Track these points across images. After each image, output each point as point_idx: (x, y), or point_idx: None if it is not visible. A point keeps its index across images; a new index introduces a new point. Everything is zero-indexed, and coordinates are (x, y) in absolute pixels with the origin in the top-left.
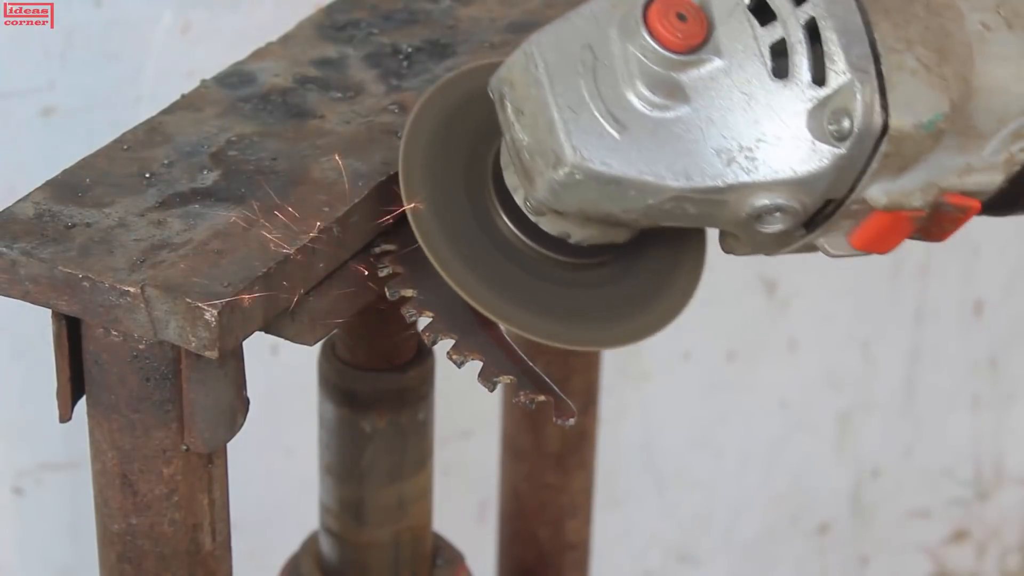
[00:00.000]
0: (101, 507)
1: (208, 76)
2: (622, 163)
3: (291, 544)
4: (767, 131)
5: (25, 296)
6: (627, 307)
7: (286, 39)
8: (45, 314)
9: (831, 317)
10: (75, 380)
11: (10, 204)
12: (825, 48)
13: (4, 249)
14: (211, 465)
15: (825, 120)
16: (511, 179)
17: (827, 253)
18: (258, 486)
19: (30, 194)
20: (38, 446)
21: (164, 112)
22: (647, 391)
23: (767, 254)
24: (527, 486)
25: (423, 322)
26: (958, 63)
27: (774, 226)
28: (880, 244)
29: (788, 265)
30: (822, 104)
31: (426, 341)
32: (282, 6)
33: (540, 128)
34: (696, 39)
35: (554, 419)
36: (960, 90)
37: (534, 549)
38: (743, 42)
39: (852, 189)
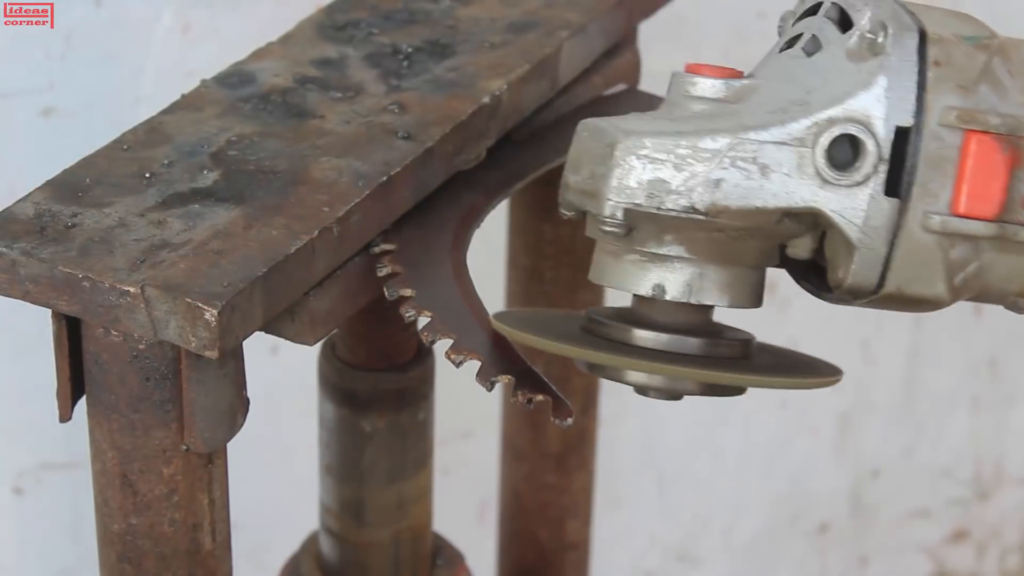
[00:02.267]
0: (101, 507)
1: (208, 76)
2: (671, 127)
3: (291, 544)
4: (813, 83)
5: (25, 296)
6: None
7: (286, 39)
8: (45, 314)
9: (831, 317)
10: (75, 380)
11: (10, 204)
12: (849, 14)
13: (4, 249)
14: (211, 465)
15: (864, 41)
16: (592, 229)
17: (937, 229)
18: (258, 486)
19: (30, 194)
20: (38, 446)
21: (164, 112)
22: None
23: (882, 269)
24: (527, 486)
25: (422, 322)
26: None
27: (856, 171)
28: (982, 193)
29: None
30: (857, 39)
31: (424, 340)
32: (282, 6)
33: (595, 148)
34: (736, 74)
35: (552, 419)
36: (1005, 46)
37: (534, 549)
38: (773, 58)
39: (918, 112)
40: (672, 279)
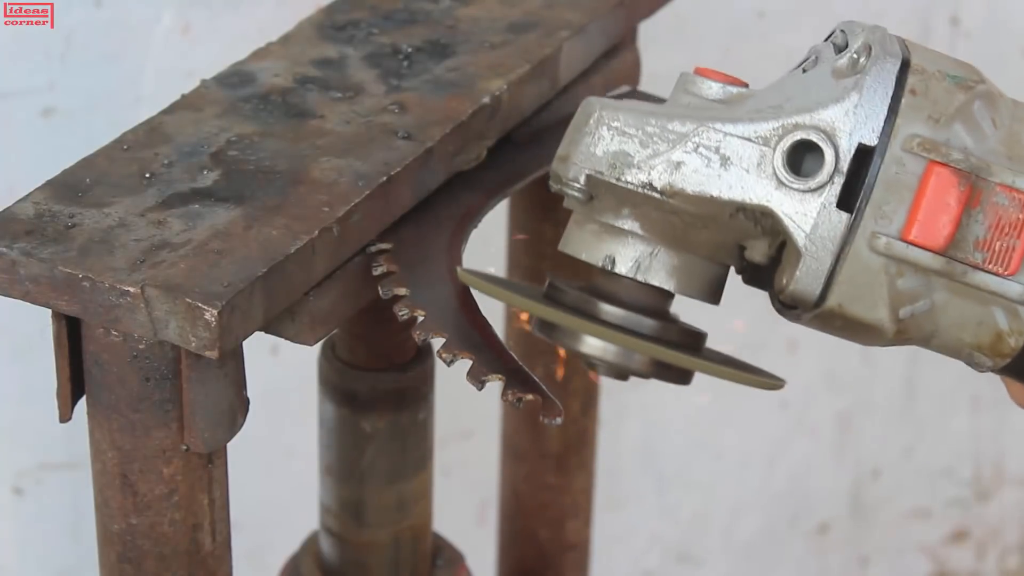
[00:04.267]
0: (101, 507)
1: (208, 76)
2: (644, 107)
3: (291, 544)
4: (795, 92)
5: (25, 296)
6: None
7: (286, 39)
8: (45, 314)
9: None
10: (75, 380)
11: (10, 204)
12: (848, 38)
13: (4, 249)
14: (211, 465)
15: (849, 60)
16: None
17: (886, 252)
18: (258, 486)
19: (30, 194)
20: (38, 446)
21: (164, 112)
22: (647, 391)
23: (826, 281)
24: (527, 486)
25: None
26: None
27: (812, 179)
28: (931, 224)
29: None
30: (845, 60)
31: (416, 339)
32: (282, 6)
33: (580, 119)
34: (740, 83)
35: (541, 418)
36: (992, 94)
37: (534, 549)
38: (781, 76)
39: (884, 134)
40: (624, 253)
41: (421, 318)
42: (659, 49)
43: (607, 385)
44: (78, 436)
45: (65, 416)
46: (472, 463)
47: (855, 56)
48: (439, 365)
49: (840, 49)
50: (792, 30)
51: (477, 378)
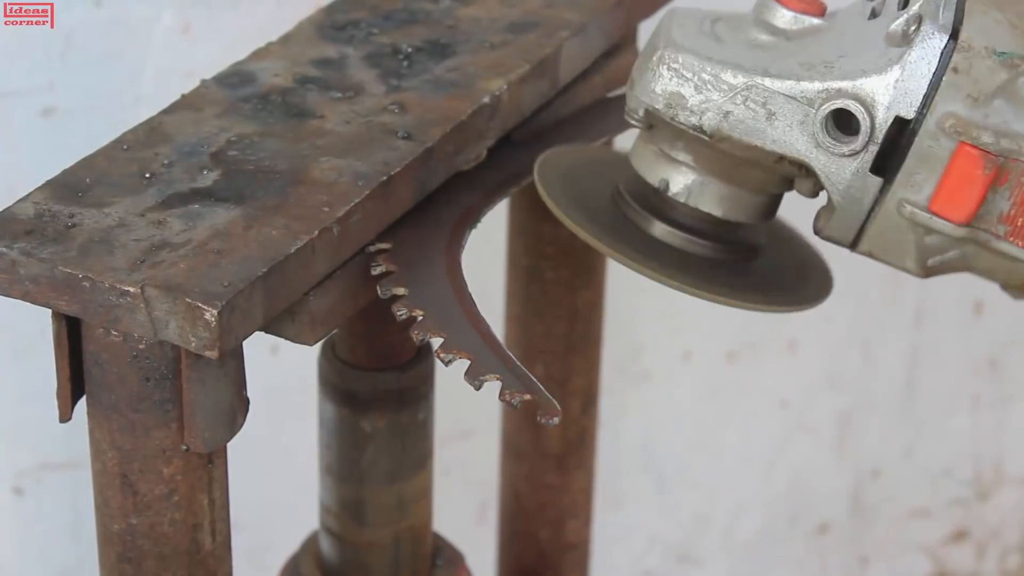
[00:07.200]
0: (101, 507)
1: (208, 76)
2: (707, 49)
3: (291, 544)
4: (848, 48)
5: (25, 296)
6: (775, 290)
7: (286, 39)
8: (45, 314)
9: (831, 317)
10: (75, 380)
11: (10, 204)
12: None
13: (4, 249)
14: (211, 465)
15: (900, 28)
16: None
17: (912, 215)
18: (258, 486)
19: (30, 194)
20: (38, 446)
21: (164, 112)
22: (647, 391)
23: (857, 232)
24: (527, 486)
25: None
26: None
27: (847, 144)
28: (955, 200)
29: None
30: (899, 23)
31: (415, 339)
32: (282, 6)
33: (653, 42)
34: (817, 9)
35: (538, 418)
36: None
37: (534, 549)
38: (851, 13)
39: (922, 109)
40: (677, 179)
41: (420, 318)
42: None
43: (607, 385)
44: (78, 436)
45: (65, 416)
46: (472, 463)
47: (907, 26)
48: (439, 365)
49: (904, 3)
50: None
51: (475, 378)
